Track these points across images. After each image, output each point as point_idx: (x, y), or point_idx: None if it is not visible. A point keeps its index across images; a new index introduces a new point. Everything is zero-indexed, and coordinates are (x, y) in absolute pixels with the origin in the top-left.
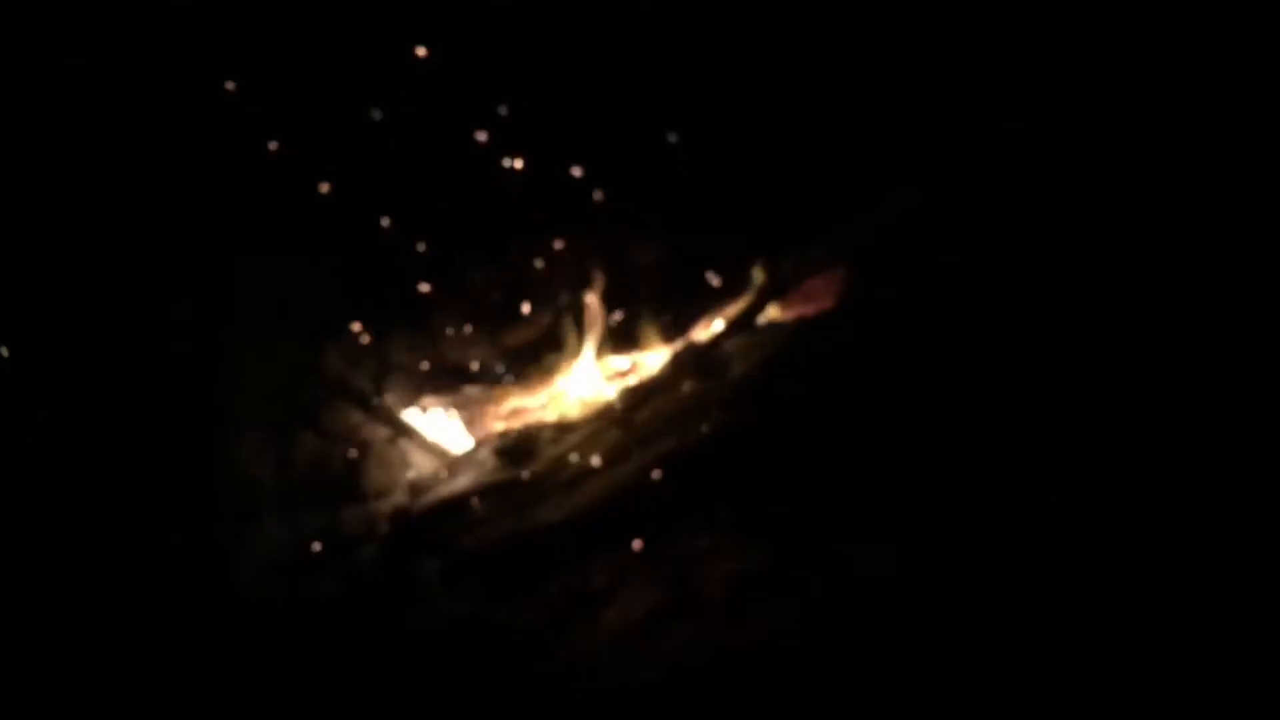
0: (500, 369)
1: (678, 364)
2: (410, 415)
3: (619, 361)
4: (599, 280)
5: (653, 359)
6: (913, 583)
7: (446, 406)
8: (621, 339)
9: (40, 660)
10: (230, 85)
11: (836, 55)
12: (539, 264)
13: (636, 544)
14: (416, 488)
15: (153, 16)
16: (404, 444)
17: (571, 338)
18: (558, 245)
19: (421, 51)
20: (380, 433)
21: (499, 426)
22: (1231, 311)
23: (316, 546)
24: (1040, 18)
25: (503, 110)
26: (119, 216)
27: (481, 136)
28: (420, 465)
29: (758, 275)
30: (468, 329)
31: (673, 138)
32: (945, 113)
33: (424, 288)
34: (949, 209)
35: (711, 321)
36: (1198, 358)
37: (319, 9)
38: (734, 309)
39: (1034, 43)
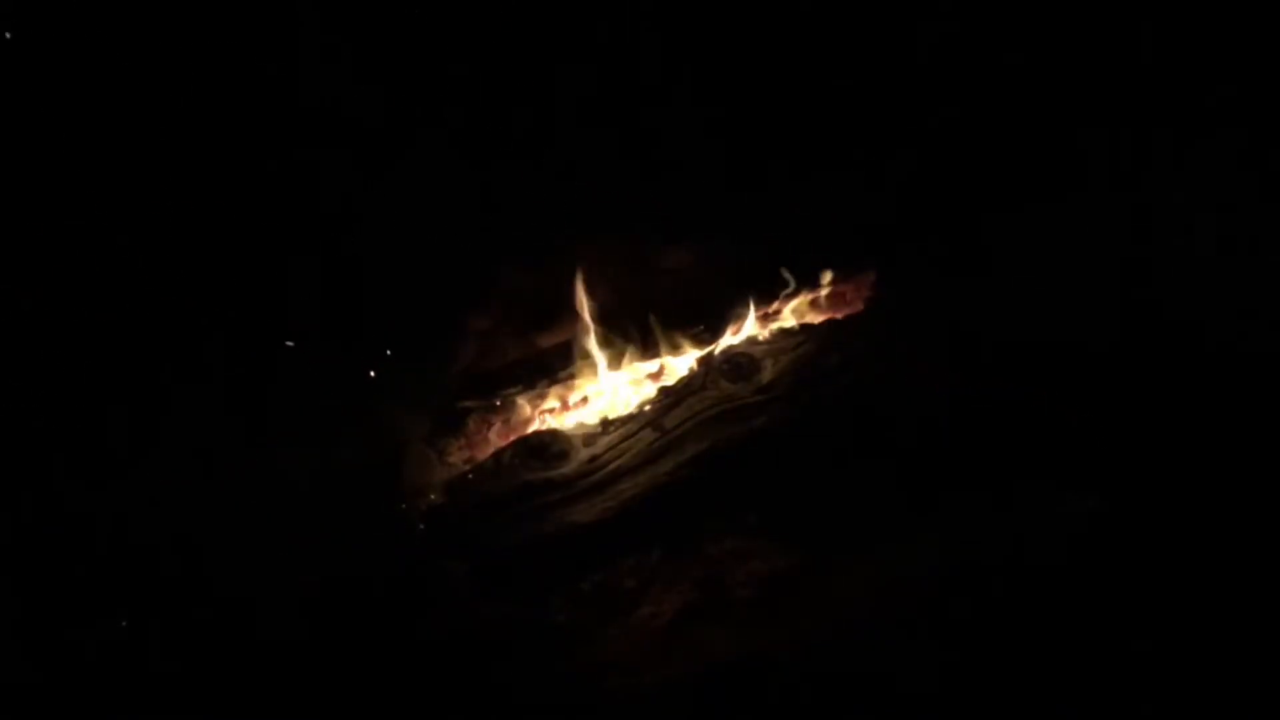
0: (534, 370)
1: (709, 366)
2: (445, 416)
3: (650, 363)
4: (631, 282)
5: (684, 361)
6: (943, 584)
7: (481, 407)
8: (653, 341)
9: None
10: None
11: (872, 61)
12: (573, 266)
13: (666, 545)
14: (451, 487)
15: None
16: (439, 444)
17: (604, 340)
18: (591, 248)
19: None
20: (416, 432)
21: (532, 427)
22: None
23: (352, 545)
24: None
25: (533, 113)
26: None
27: (514, 137)
28: (455, 465)
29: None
30: (502, 331)
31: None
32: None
33: (458, 290)
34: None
35: (743, 324)
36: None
37: (352, 14)
38: (767, 311)
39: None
